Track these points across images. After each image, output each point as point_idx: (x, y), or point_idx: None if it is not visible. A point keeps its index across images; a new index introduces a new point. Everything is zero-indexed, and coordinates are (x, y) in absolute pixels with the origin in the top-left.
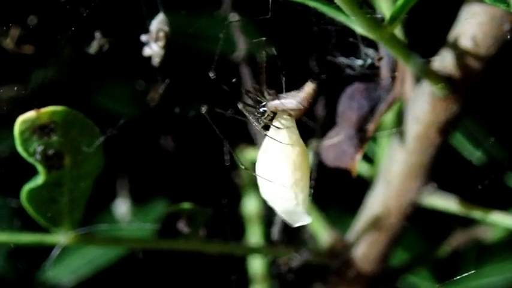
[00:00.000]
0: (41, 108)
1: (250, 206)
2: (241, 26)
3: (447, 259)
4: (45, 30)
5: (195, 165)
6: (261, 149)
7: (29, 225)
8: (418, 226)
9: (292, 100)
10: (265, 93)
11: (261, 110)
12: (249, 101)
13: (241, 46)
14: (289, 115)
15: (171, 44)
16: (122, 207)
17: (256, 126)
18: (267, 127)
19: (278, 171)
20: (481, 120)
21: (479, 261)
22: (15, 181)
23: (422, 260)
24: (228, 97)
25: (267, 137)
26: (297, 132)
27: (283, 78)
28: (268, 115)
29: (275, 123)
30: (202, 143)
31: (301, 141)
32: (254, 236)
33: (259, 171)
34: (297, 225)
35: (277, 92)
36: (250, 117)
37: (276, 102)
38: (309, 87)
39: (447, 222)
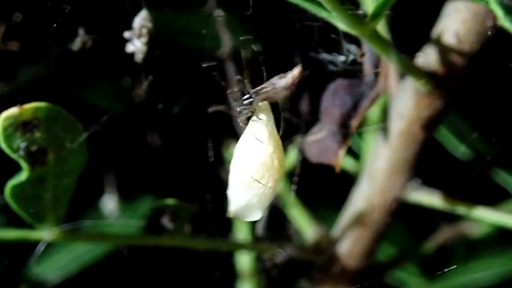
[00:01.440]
0: (24, 104)
1: None
2: (225, 22)
3: (435, 254)
4: (30, 27)
5: (181, 161)
6: (238, 143)
7: (15, 221)
8: (405, 221)
9: (281, 81)
10: (248, 87)
11: (245, 102)
12: (234, 94)
13: (226, 42)
14: (274, 102)
15: (155, 40)
16: (109, 203)
17: (238, 119)
18: (247, 121)
19: (247, 165)
20: (465, 115)
21: (467, 256)
22: None
23: (409, 255)
24: (212, 92)
25: (244, 131)
26: (274, 127)
27: (265, 75)
28: (249, 108)
29: (254, 117)
30: (189, 138)
31: (277, 136)
32: (241, 231)
33: (232, 163)
34: (247, 220)
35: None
36: (235, 109)
37: (266, 85)
38: (296, 70)
39: (434, 216)
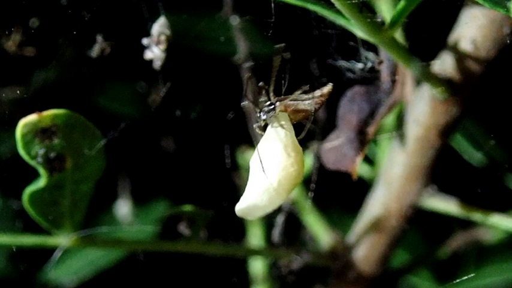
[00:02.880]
0: (42, 111)
1: None
2: (242, 28)
3: (448, 260)
4: (46, 33)
5: (196, 166)
6: (258, 148)
7: (31, 226)
8: (419, 227)
9: (307, 100)
10: (272, 94)
11: (267, 109)
12: (254, 100)
13: (243, 48)
14: (295, 115)
15: (172, 46)
16: (123, 208)
17: (255, 126)
18: (264, 128)
19: (266, 170)
20: (481, 122)
21: (480, 262)
22: (17, 182)
23: (422, 260)
24: (228, 99)
25: (264, 137)
26: (293, 135)
27: (283, 82)
28: (270, 116)
29: (274, 125)
30: (203, 144)
31: (297, 144)
32: (255, 237)
33: (251, 164)
34: (248, 218)
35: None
36: (256, 115)
37: (292, 98)
38: (326, 89)
39: (448, 223)
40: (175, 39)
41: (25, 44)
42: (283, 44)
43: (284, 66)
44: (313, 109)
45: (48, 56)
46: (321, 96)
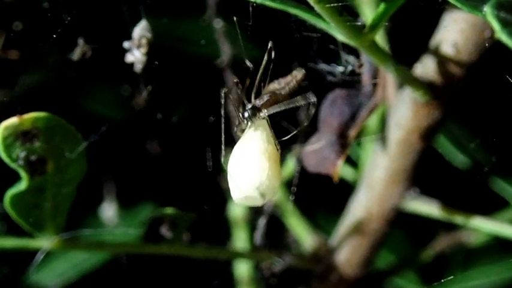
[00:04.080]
0: (23, 114)
1: (235, 209)
2: (225, 31)
3: (434, 262)
4: (30, 36)
5: (181, 169)
6: (237, 145)
7: (15, 229)
8: (404, 229)
9: (282, 89)
10: (252, 97)
11: (250, 112)
12: (235, 103)
13: (225, 51)
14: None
15: (154, 48)
16: (108, 210)
17: (236, 128)
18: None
19: (249, 158)
20: (464, 124)
21: (465, 264)
22: None
23: (407, 263)
24: (211, 101)
25: (241, 140)
26: (271, 138)
27: (263, 85)
28: (252, 118)
29: (252, 128)
30: (188, 147)
31: (274, 149)
32: (240, 240)
33: (230, 160)
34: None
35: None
36: (236, 118)
37: (267, 93)
38: (298, 74)
39: (433, 224)
40: (156, 42)
41: (8, 47)
42: (271, 43)
43: (267, 68)
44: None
45: (31, 59)
46: (293, 80)
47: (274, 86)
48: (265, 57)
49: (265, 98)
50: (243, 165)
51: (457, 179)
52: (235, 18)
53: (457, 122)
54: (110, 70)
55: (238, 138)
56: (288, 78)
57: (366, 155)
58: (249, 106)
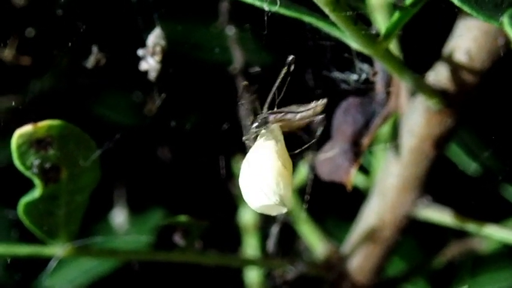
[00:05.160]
0: (37, 121)
1: (246, 216)
2: (237, 38)
3: (443, 269)
4: (42, 42)
5: (192, 175)
6: (249, 153)
7: (27, 236)
8: (415, 236)
9: (300, 114)
10: (266, 107)
11: (260, 121)
12: (247, 111)
13: (238, 58)
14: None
15: (168, 56)
16: (119, 216)
17: (245, 138)
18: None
19: (262, 167)
20: (477, 132)
21: (475, 271)
22: (12, 192)
23: (418, 270)
24: (223, 108)
25: (252, 149)
26: (283, 147)
27: (277, 93)
28: (262, 128)
29: (264, 137)
30: (199, 153)
31: (286, 157)
32: (250, 247)
33: (243, 170)
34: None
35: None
36: (247, 124)
37: (285, 111)
38: (320, 105)
39: (444, 232)
40: (170, 49)
41: (21, 54)
42: (292, 57)
43: (284, 78)
44: (305, 123)
45: (44, 66)
46: (313, 111)
47: (291, 110)
48: (284, 70)
49: (278, 116)
50: (257, 174)
51: (469, 187)
52: (247, 25)
53: (470, 130)
54: (123, 77)
55: (248, 145)
56: (309, 111)
57: (378, 162)
58: (262, 116)
